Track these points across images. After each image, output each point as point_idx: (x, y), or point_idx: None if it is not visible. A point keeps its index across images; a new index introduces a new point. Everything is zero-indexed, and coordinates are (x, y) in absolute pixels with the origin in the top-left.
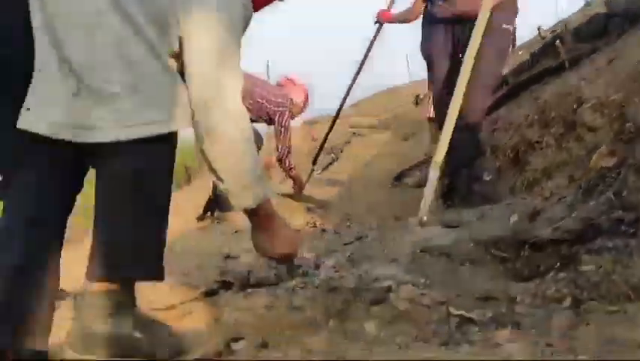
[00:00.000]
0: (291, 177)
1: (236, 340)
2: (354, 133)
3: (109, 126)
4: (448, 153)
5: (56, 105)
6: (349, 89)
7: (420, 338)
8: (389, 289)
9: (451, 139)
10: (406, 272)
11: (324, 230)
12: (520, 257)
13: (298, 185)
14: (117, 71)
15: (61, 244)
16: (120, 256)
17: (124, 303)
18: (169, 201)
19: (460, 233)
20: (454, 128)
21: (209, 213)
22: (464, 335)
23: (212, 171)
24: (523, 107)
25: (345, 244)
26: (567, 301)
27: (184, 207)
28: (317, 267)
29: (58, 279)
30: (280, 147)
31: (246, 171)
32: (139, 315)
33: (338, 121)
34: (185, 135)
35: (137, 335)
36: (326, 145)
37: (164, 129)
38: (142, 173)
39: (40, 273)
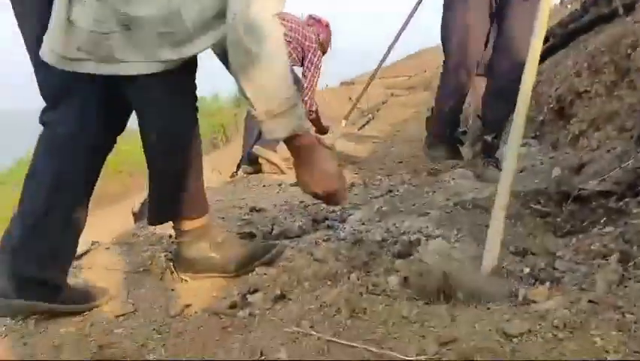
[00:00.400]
0: (310, 120)
1: (252, 292)
2: (391, 94)
3: (131, 59)
4: (488, 105)
5: (70, 34)
6: (390, 48)
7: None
8: (417, 242)
9: (491, 89)
10: (436, 226)
11: (352, 184)
12: (562, 211)
13: (318, 129)
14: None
15: (96, 179)
16: (164, 207)
17: (196, 233)
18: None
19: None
20: (497, 77)
21: (240, 170)
22: (495, 292)
23: (245, 92)
24: (570, 57)
25: (374, 198)
26: (614, 257)
27: (221, 165)
28: (343, 220)
29: (86, 215)
30: (305, 85)
31: (280, 96)
32: (214, 238)
33: (377, 82)
34: (223, 95)
35: (213, 254)
36: (362, 106)
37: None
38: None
39: (76, 189)
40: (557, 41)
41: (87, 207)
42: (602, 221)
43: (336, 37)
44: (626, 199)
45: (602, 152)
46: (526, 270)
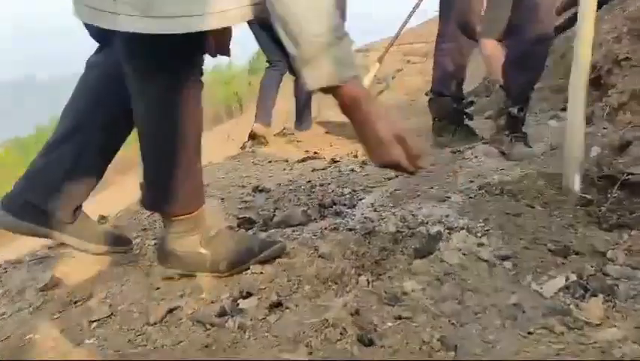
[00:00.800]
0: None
1: (245, 296)
2: (408, 61)
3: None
4: (510, 74)
5: None
6: (410, 14)
7: (476, 306)
8: (438, 235)
9: (513, 56)
10: (459, 214)
11: (364, 162)
12: (606, 199)
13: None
14: None
15: (121, 132)
16: (154, 195)
17: (186, 226)
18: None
19: (527, 168)
20: (519, 42)
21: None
22: (536, 307)
23: (279, 26)
24: (605, 20)
25: (389, 179)
26: None
27: (235, 133)
28: (353, 205)
29: (104, 166)
30: None
31: (322, 26)
32: (206, 231)
33: (392, 49)
34: (237, 63)
35: (203, 250)
36: (377, 74)
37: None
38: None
39: (96, 133)
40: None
41: (107, 158)
42: None
43: (352, 3)
44: None
45: None
46: (572, 276)
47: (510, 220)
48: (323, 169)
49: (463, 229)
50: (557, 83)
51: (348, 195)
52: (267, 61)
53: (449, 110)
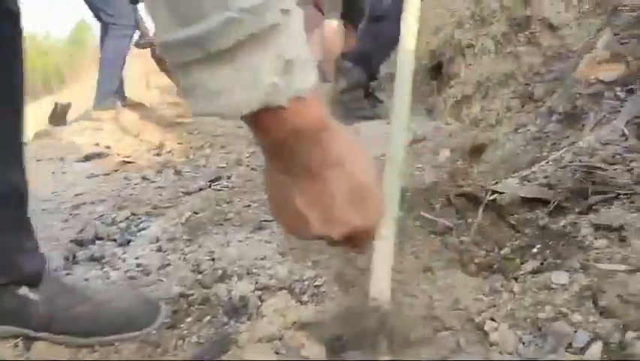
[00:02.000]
0: None
1: None
2: None
3: None
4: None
5: None
6: None
7: None
8: (242, 308)
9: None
10: (281, 254)
11: (165, 166)
12: (467, 227)
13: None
14: None
15: None
16: None
17: None
18: None
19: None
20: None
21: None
22: None
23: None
24: (444, 5)
25: (188, 194)
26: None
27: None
28: (126, 242)
29: None
30: None
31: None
32: None
33: None
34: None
35: None
36: None
37: None
38: None
39: None
40: None
41: None
42: (534, 251)
43: None
44: (570, 215)
45: (506, 130)
46: None
47: (349, 262)
48: (105, 175)
49: (282, 288)
50: (394, 70)
51: (123, 223)
52: (102, 22)
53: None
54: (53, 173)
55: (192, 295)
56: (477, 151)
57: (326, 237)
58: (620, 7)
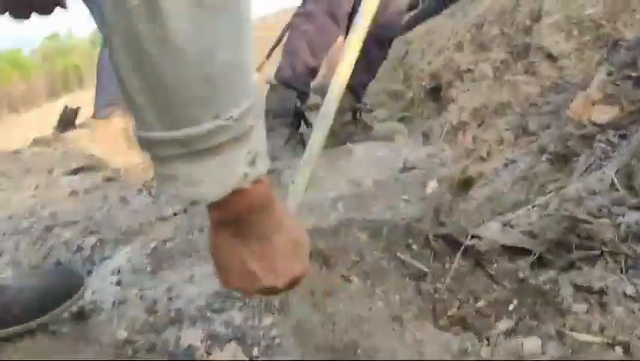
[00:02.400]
0: None
1: None
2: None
3: None
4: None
5: None
6: None
7: None
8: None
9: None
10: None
11: (150, 188)
12: (445, 272)
13: None
14: None
15: None
16: None
17: None
18: None
19: (350, 203)
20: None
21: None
22: None
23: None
24: (447, 26)
25: (164, 220)
26: None
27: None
28: (86, 272)
29: None
30: None
31: (227, 103)
32: None
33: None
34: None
35: None
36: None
37: None
38: None
39: None
40: (430, 5)
41: None
42: (510, 308)
43: None
44: (551, 270)
45: (495, 164)
46: None
47: (315, 307)
48: (86, 192)
49: (235, 338)
50: (395, 88)
51: (87, 251)
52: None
53: (291, 106)
54: (37, 187)
55: (139, 341)
56: (465, 185)
57: (272, 287)
58: (620, 42)
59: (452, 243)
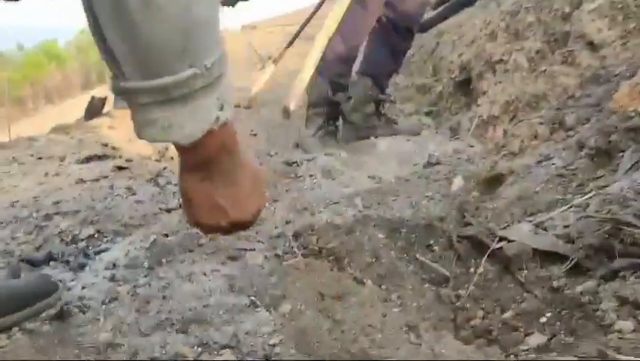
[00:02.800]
0: None
1: None
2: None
3: None
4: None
5: None
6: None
7: None
8: None
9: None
10: (247, 293)
11: (158, 176)
12: (468, 278)
13: None
14: None
15: None
16: None
17: None
18: None
19: (370, 198)
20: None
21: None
22: None
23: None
24: (478, 17)
25: (168, 211)
26: None
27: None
28: (80, 266)
29: None
30: None
31: (195, 51)
32: None
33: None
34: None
35: None
36: (261, 53)
37: None
38: None
39: None
40: None
41: None
42: (542, 320)
43: None
44: (590, 279)
45: (527, 160)
46: None
47: (323, 312)
48: (94, 180)
49: (229, 346)
50: (424, 81)
51: (84, 242)
52: None
53: (324, 96)
54: (46, 174)
55: (122, 345)
56: (493, 183)
57: (237, 221)
58: None
59: (478, 245)
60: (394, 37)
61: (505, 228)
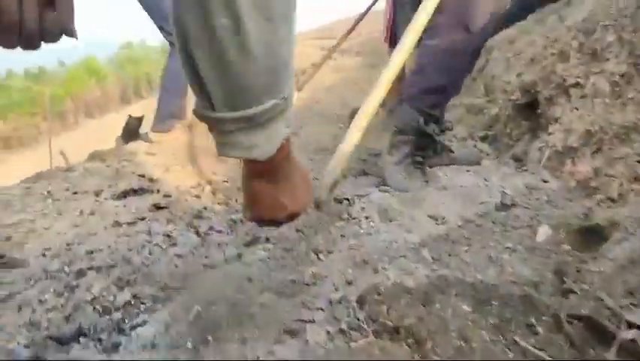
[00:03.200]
0: None
1: None
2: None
3: None
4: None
5: None
6: (368, 8)
7: None
8: None
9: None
10: None
11: (202, 211)
12: None
13: None
14: None
15: None
16: None
17: None
18: None
19: (437, 250)
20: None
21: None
22: None
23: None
24: (535, 32)
25: (211, 266)
26: None
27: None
28: (114, 346)
29: None
30: None
31: (276, 87)
32: None
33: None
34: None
35: None
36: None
37: None
38: None
39: None
40: (513, 10)
41: None
42: None
43: None
44: None
45: (636, 211)
46: None
47: None
48: (130, 223)
49: None
50: (473, 101)
51: (119, 311)
52: (170, 41)
53: (413, 125)
54: (81, 213)
55: None
56: (591, 237)
57: (295, 212)
58: None
59: (596, 330)
60: (453, 57)
61: (633, 306)
